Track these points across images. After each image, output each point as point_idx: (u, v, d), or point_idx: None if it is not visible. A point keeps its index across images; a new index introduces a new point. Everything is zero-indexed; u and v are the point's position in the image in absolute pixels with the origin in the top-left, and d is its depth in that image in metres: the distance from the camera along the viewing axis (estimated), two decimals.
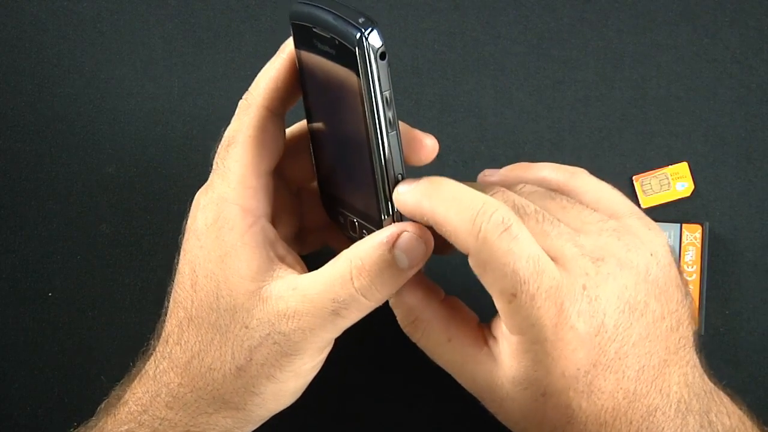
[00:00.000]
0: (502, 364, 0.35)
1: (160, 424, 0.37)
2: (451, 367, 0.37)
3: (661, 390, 0.33)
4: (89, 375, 0.51)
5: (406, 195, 0.35)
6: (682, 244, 0.50)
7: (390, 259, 0.34)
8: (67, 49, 0.55)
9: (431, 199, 0.34)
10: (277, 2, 0.55)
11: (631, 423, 0.33)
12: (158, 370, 0.38)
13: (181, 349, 0.37)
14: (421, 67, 0.53)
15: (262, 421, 0.39)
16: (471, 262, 0.33)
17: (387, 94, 0.33)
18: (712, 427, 0.34)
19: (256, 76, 0.39)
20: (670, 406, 0.34)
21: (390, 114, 0.34)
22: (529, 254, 0.32)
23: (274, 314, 0.35)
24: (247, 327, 0.35)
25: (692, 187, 0.51)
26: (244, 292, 0.36)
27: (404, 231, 0.35)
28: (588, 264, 0.33)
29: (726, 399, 0.37)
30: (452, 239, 0.33)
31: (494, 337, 0.36)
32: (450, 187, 0.34)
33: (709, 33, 0.53)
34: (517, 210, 0.34)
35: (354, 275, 0.34)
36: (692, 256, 0.50)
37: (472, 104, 0.53)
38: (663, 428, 0.33)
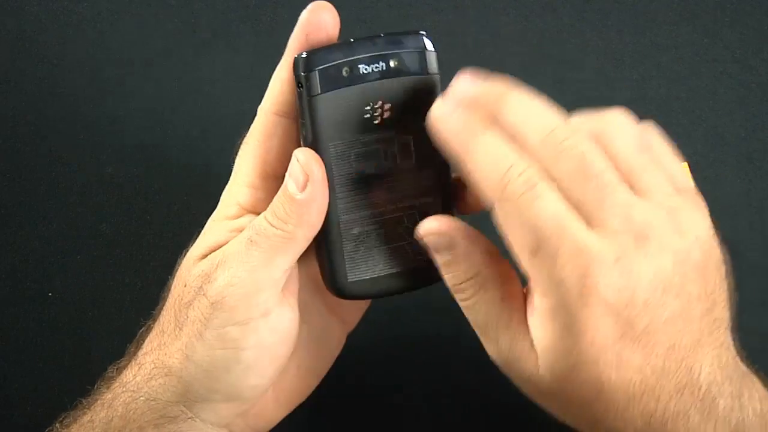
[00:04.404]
0: (534, 334, 0.35)
1: (122, 389, 0.39)
2: (494, 328, 0.36)
3: (691, 369, 0.34)
4: (89, 375, 0.51)
5: (447, 118, 0.36)
6: None
7: (284, 186, 0.36)
8: (67, 49, 0.55)
9: (468, 143, 0.34)
10: (277, 2, 0.55)
11: (658, 399, 0.33)
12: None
13: (157, 320, 0.40)
14: None
15: (204, 403, 0.38)
16: (495, 214, 0.34)
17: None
18: (743, 411, 0.34)
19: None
20: (700, 387, 0.34)
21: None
22: (555, 211, 0.32)
23: (208, 266, 0.37)
24: (185, 285, 0.37)
25: None
26: (196, 257, 0.38)
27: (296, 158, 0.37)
28: (629, 241, 0.33)
29: (759, 384, 0.37)
30: (477, 188, 0.34)
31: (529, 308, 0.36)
32: (488, 135, 0.34)
33: (709, 33, 0.53)
34: (593, 163, 0.34)
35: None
36: None
37: None
38: (689, 408, 0.33)
